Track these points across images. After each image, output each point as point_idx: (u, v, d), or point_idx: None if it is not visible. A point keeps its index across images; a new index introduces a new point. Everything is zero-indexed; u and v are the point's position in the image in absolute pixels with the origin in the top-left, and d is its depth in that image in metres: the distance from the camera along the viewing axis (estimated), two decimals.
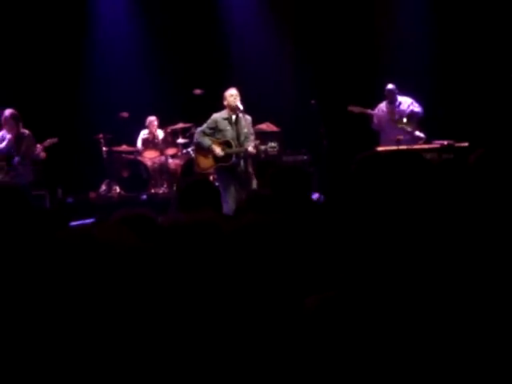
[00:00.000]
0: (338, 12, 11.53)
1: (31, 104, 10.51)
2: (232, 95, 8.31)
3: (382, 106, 10.01)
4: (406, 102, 9.89)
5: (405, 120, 9.72)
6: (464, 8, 10.80)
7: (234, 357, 2.03)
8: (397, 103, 9.90)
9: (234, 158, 8.32)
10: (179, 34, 11.84)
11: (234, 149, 8.31)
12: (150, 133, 11.09)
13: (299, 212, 3.47)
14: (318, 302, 2.12)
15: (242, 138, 8.34)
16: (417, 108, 9.84)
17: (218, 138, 8.39)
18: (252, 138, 8.50)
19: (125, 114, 10.93)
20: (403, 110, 9.85)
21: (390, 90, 9.90)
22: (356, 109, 9.89)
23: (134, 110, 10.95)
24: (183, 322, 2.13)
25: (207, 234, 2.49)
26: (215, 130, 8.41)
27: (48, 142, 9.32)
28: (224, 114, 8.42)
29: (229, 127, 8.36)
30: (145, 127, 11.13)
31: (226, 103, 8.37)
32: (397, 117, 9.81)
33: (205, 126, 8.51)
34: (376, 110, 10.00)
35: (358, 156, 4.03)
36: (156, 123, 11.07)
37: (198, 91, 10.49)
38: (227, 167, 8.34)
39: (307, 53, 11.58)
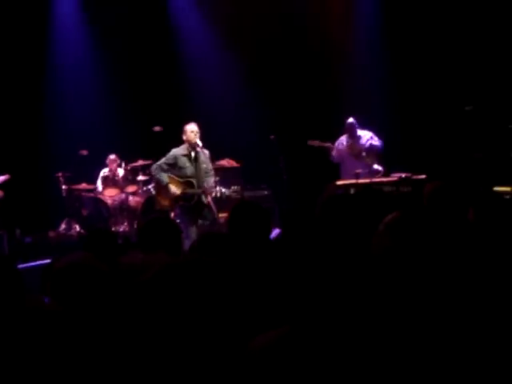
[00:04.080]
0: (294, 47, 11.69)
1: None
2: (192, 132, 8.30)
3: (343, 139, 10.05)
4: (366, 136, 9.95)
5: (364, 154, 9.81)
6: (418, 43, 11.02)
7: None
8: (357, 137, 9.97)
9: (196, 197, 8.32)
10: (138, 72, 11.86)
11: (196, 190, 8.31)
12: (111, 171, 11.02)
13: (254, 250, 3.47)
14: (271, 340, 2.11)
15: (202, 174, 8.34)
16: (376, 142, 9.91)
17: (177, 175, 8.38)
18: (212, 173, 8.52)
19: (84, 152, 10.87)
20: (363, 144, 9.91)
21: (350, 124, 9.94)
22: (315, 143, 9.95)
23: (94, 147, 10.89)
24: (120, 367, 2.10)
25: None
26: (174, 166, 8.39)
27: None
28: (183, 149, 8.41)
29: (188, 164, 8.36)
30: (105, 165, 11.06)
31: (185, 138, 8.36)
32: (356, 152, 9.88)
33: (163, 160, 8.47)
34: (336, 143, 10.05)
35: (322, 198, 4.06)
36: (117, 161, 11.02)
37: (157, 128, 10.48)
38: (189, 205, 8.34)
39: (265, 89, 11.67)
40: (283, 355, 2.05)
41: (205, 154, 8.45)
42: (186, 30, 12.20)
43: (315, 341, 2.04)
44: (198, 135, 8.29)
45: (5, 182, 9.31)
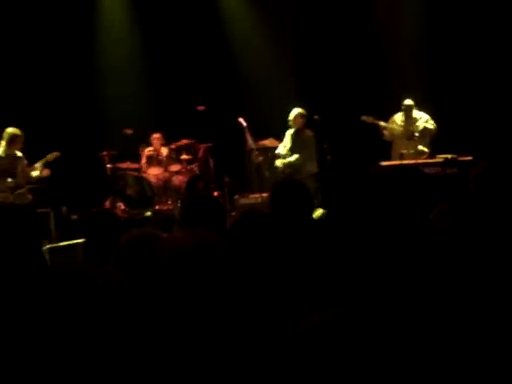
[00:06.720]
0: (341, 26, 11.56)
1: (35, 121, 10.53)
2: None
3: (397, 118, 9.95)
4: (422, 119, 9.84)
5: (416, 136, 9.69)
6: (466, 20, 10.81)
7: None
8: (413, 119, 9.84)
9: None
10: (182, 51, 11.87)
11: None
12: (155, 149, 11.08)
13: (297, 229, 3.45)
14: (322, 321, 2.09)
15: None
16: (430, 126, 9.78)
17: None
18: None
19: (129, 131, 10.93)
20: (417, 127, 9.80)
21: (408, 106, 9.83)
22: (369, 119, 9.85)
23: (138, 126, 10.96)
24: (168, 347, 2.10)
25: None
26: None
27: (49, 156, 9.25)
28: None
29: None
30: (149, 144, 11.13)
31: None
32: (409, 133, 9.76)
33: None
34: (390, 122, 9.97)
35: (380, 175, 4.00)
36: (161, 140, 11.06)
37: (200, 107, 10.49)
38: None
39: (310, 67, 11.59)
40: (334, 337, 2.02)
41: None
42: (231, 9, 12.16)
43: (368, 323, 2.01)
44: None
45: (55, 158, 9.35)
